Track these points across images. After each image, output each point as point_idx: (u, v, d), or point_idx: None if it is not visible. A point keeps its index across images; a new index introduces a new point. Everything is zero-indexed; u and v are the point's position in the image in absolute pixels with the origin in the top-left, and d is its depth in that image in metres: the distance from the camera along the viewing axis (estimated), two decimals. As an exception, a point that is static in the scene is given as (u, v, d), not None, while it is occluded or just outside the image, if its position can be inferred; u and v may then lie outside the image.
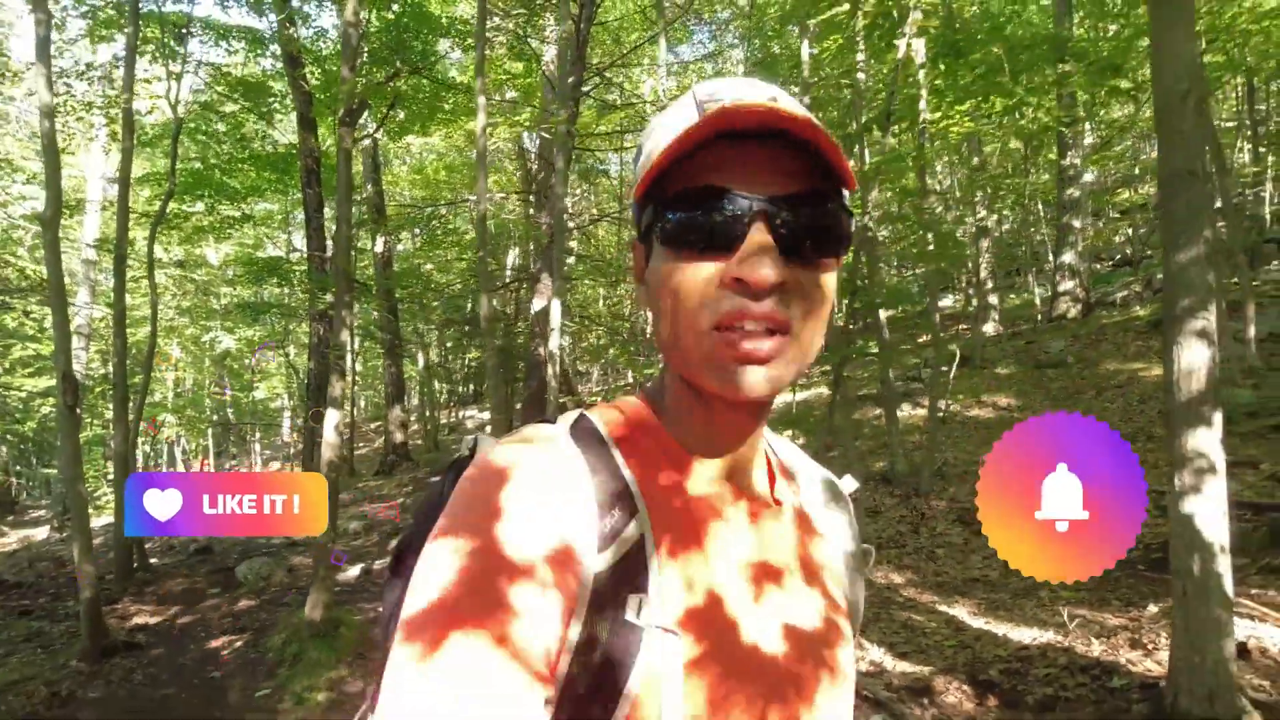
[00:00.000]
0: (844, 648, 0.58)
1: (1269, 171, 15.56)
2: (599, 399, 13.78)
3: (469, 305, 15.96)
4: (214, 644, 4.47)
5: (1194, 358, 2.83)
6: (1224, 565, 2.75)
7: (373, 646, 4.39)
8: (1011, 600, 4.45)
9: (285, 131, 12.40)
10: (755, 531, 0.55)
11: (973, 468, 6.84)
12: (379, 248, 13.39)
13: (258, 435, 21.80)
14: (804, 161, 0.49)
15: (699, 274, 0.49)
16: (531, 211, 12.42)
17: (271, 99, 10.78)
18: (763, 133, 0.48)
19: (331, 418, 4.29)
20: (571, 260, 14.45)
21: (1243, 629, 3.35)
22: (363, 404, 26.41)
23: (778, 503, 0.59)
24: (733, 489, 0.56)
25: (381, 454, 14.70)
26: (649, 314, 0.56)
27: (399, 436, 14.07)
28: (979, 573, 5.04)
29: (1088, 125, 17.56)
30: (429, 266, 16.35)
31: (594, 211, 17.53)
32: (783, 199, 0.48)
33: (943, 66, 3.96)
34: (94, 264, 14.30)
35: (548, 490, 0.47)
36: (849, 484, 0.69)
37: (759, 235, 0.47)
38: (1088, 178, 18.20)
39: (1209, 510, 2.77)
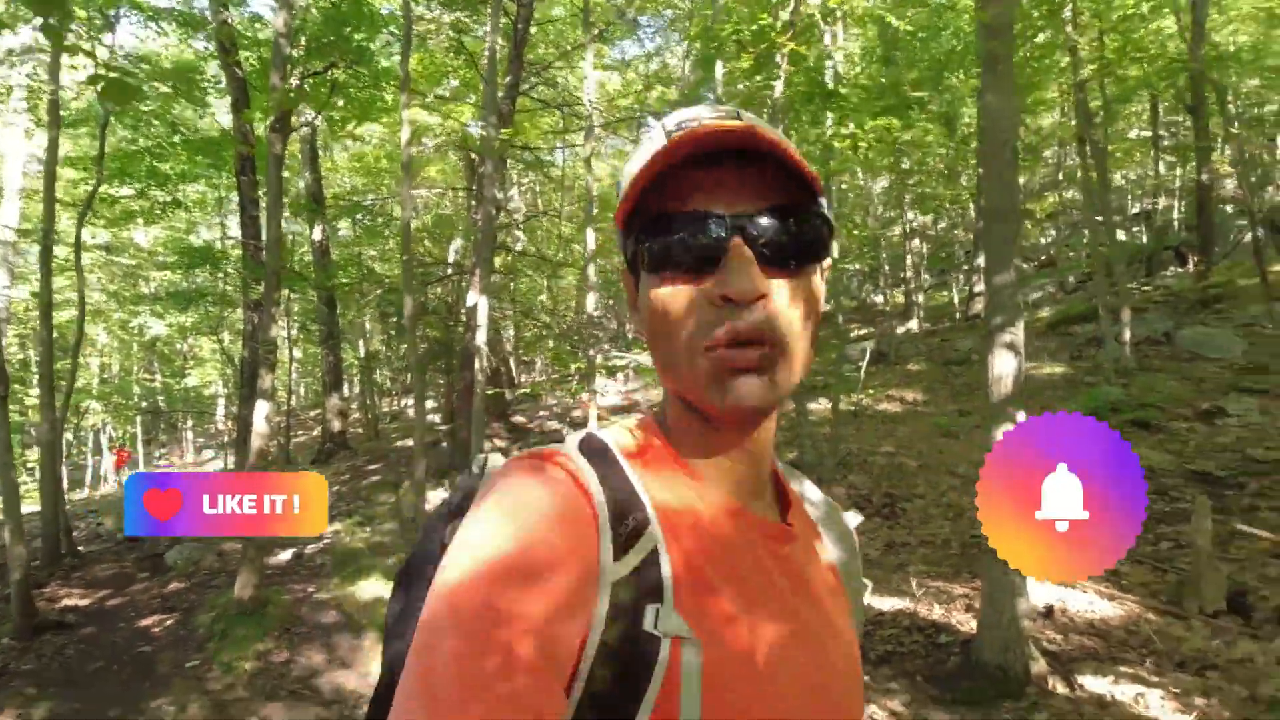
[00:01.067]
0: (853, 670, 0.59)
1: (1176, 182, 16.86)
2: (543, 390, 14.11)
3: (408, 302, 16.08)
4: (144, 623, 4.71)
5: (1004, 366, 3.40)
6: (1020, 538, 3.33)
7: (298, 621, 4.72)
8: (884, 575, 5.04)
9: (224, 112, 12.31)
10: (766, 551, 0.56)
11: (873, 457, 7.48)
12: (317, 236, 13.40)
13: (190, 423, 21.39)
14: (775, 176, 0.52)
15: (686, 295, 0.51)
16: (474, 203, 12.63)
17: (204, 84, 10.72)
18: (729, 152, 0.50)
19: (261, 409, 4.58)
20: (519, 248, 14.73)
21: (1054, 594, 3.99)
22: (302, 391, 26.11)
23: (790, 525, 0.61)
24: (741, 507, 0.57)
25: (319, 443, 14.75)
26: (646, 340, 0.58)
27: (337, 425, 14.15)
28: (861, 552, 5.63)
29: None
30: (372, 254, 16.39)
31: (541, 203, 17.80)
32: (758, 214, 0.50)
33: (809, 107, 4.51)
34: (12, 245, 13.90)
35: (565, 515, 0.47)
36: (853, 519, 0.84)
37: (739, 251, 0.49)
38: (1014, 182, 19.32)
39: (1010, 493, 3.35)
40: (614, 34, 13.88)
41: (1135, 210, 18.90)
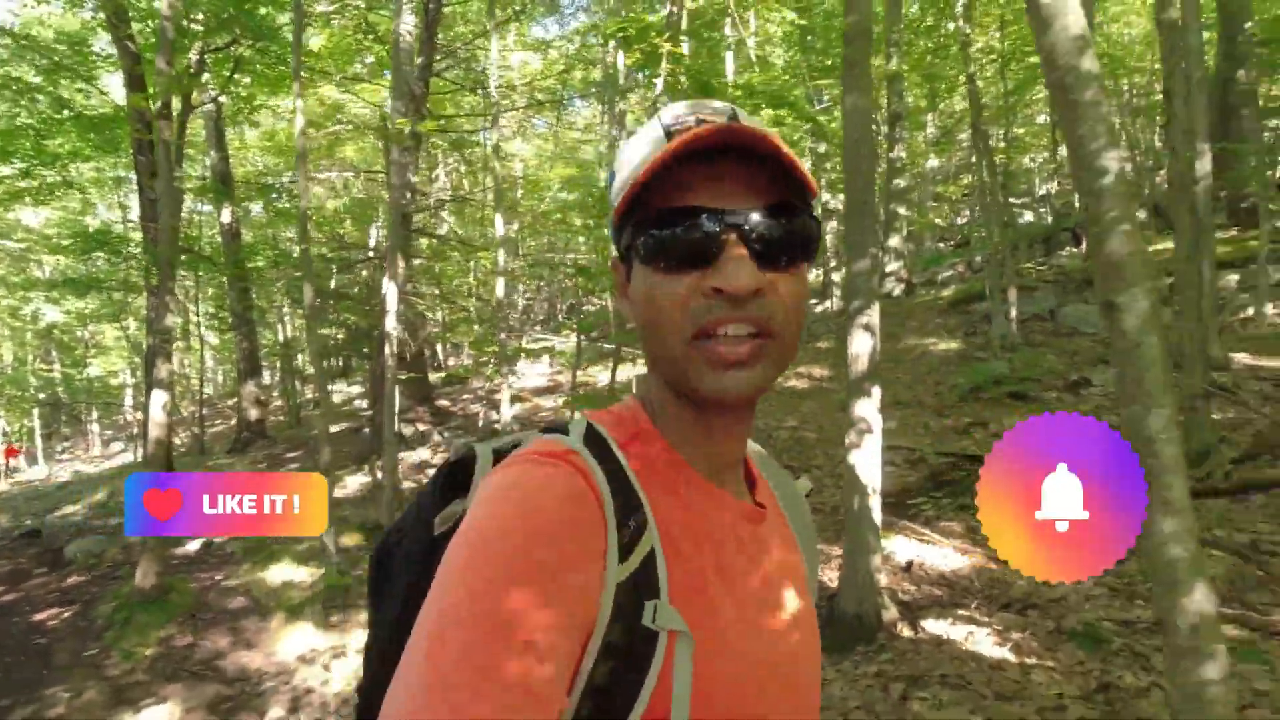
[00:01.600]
0: (815, 642, 0.63)
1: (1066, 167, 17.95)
2: (465, 374, 14.11)
3: (332, 279, 15.75)
4: (39, 616, 4.69)
5: (861, 346, 3.76)
6: (874, 502, 3.73)
7: (204, 607, 4.78)
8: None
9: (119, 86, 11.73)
10: (746, 535, 0.59)
11: (778, 431, 7.91)
12: (226, 218, 12.98)
13: (95, 415, 20.40)
14: (769, 175, 0.54)
15: (679, 287, 0.53)
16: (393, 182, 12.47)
17: (94, 57, 10.22)
18: (727, 150, 0.52)
19: (158, 399, 4.58)
20: (445, 230, 14.57)
21: (914, 551, 4.43)
22: (220, 379, 25.17)
23: (760, 506, 0.63)
24: (724, 494, 0.59)
25: (236, 432, 14.40)
26: (637, 329, 0.59)
27: (254, 413, 13.84)
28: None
29: (930, 117, 19.43)
30: (289, 236, 15.92)
31: (468, 184, 17.59)
32: (753, 211, 0.52)
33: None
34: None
35: (576, 516, 0.48)
36: (804, 485, 0.75)
37: (734, 247, 0.52)
38: (933, 163, 20.15)
39: (866, 460, 3.74)
40: (534, 12, 13.81)
41: (1043, 192, 20.05)
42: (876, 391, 3.76)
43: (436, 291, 12.26)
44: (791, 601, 0.60)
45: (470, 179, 18.51)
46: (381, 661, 0.52)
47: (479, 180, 19.08)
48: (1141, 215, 15.16)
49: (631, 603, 0.48)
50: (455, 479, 0.57)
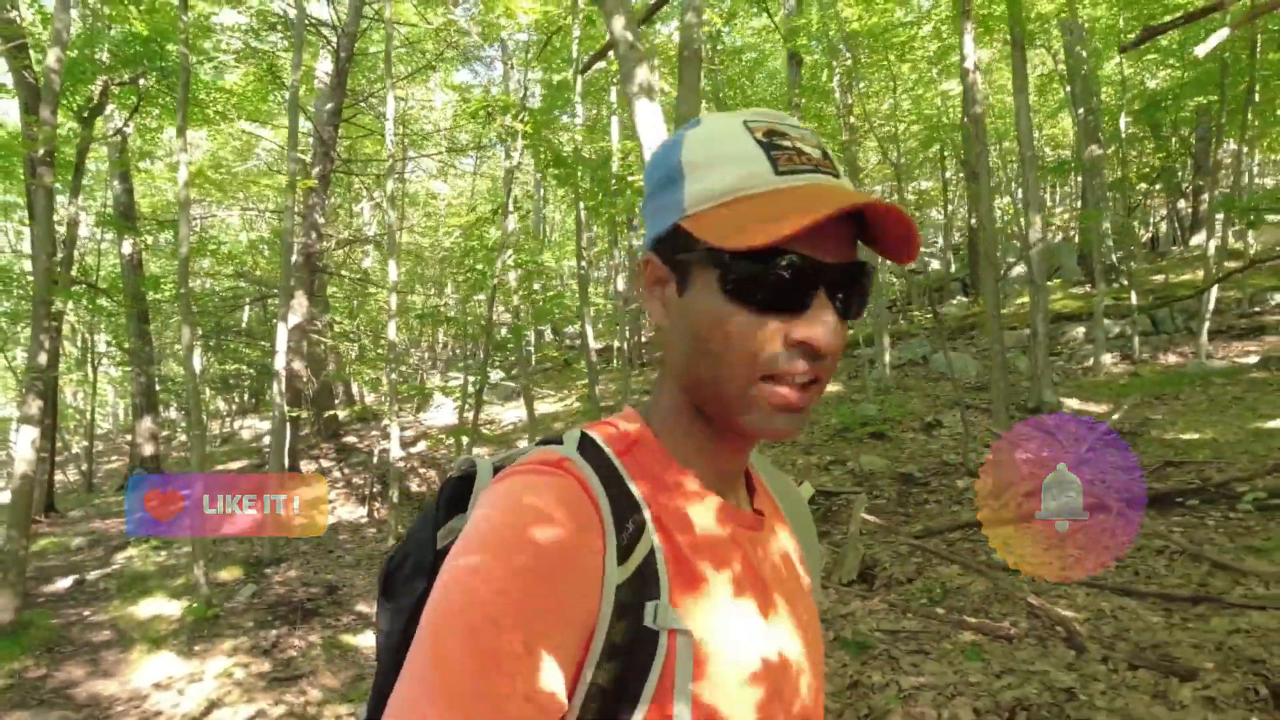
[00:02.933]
0: (819, 647, 0.64)
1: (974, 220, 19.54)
2: (370, 413, 14.19)
3: (244, 313, 15.64)
4: (-112, 653, 4.69)
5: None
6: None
7: (65, 641, 4.87)
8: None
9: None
10: (746, 540, 0.60)
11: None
12: (127, 250, 12.86)
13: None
14: (852, 230, 0.55)
15: (761, 328, 0.52)
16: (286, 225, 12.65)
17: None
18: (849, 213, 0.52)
19: (26, 435, 4.73)
20: (368, 263, 14.70)
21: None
22: (121, 413, 24.14)
23: (759, 514, 0.64)
24: (724, 501, 0.60)
25: (128, 468, 14.00)
26: (668, 334, 0.59)
27: (148, 449, 13.52)
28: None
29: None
30: (203, 267, 15.73)
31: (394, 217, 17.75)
32: (843, 267, 0.54)
33: (555, 173, 5.39)
34: None
35: (573, 521, 0.49)
36: (807, 490, 1.04)
37: (823, 302, 0.53)
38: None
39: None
40: (451, 65, 14.36)
41: (939, 242, 21.64)
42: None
43: (342, 328, 12.43)
44: (792, 605, 0.61)
45: (398, 212, 18.75)
46: (387, 677, 0.52)
47: (406, 214, 19.36)
48: (1021, 269, 16.72)
49: (632, 603, 0.49)
50: (457, 495, 0.58)
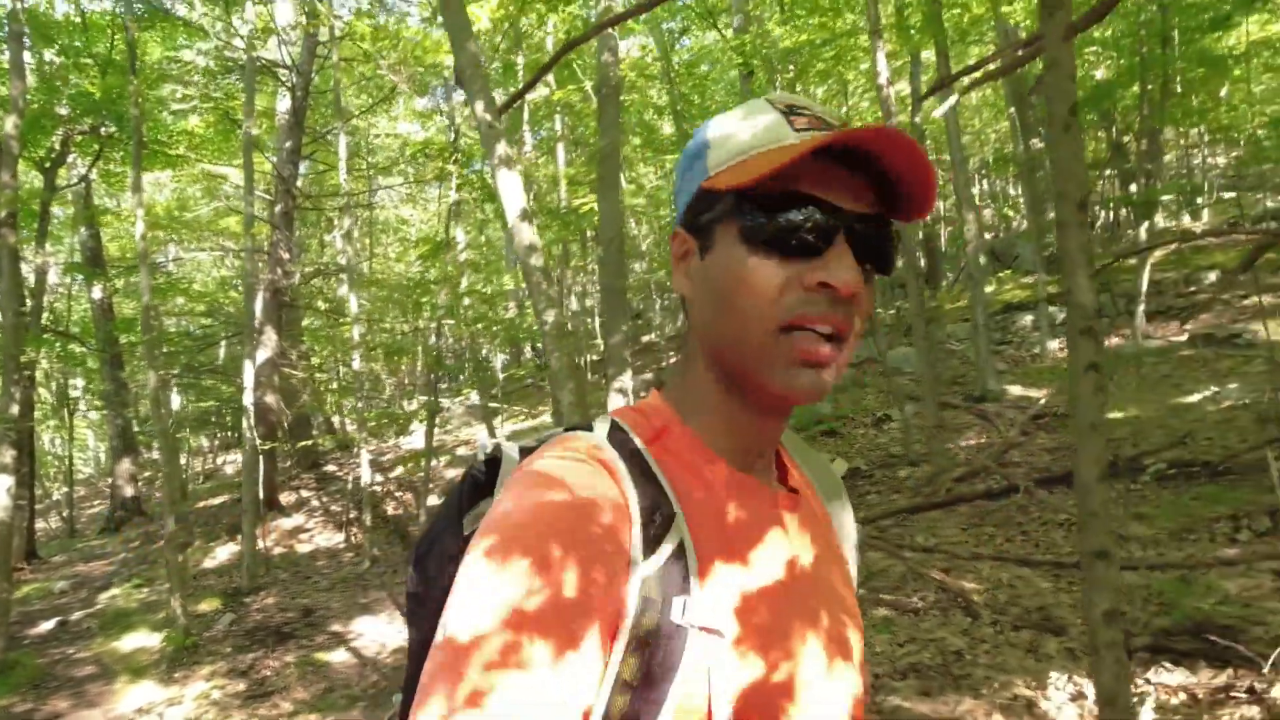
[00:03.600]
0: (857, 631, 0.63)
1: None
2: (351, 441, 14.43)
3: (220, 350, 15.84)
4: (-121, 698, 4.93)
5: (615, 403, 4.67)
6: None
7: (50, 678, 5.13)
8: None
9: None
10: (779, 524, 0.58)
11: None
12: (97, 295, 13.08)
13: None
14: (871, 184, 0.54)
15: (778, 274, 0.52)
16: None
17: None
18: (839, 151, 0.52)
19: (2, 483, 5.00)
20: (344, 290, 14.91)
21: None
22: (101, 457, 24.15)
23: (794, 493, 0.63)
24: (756, 483, 0.59)
25: (109, 510, 14.16)
26: (692, 302, 0.58)
27: (129, 491, 13.71)
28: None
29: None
30: (178, 303, 15.94)
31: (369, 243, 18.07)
32: (863, 216, 0.53)
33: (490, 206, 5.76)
34: None
35: (601, 508, 0.49)
36: (841, 467, 0.75)
37: (841, 246, 0.52)
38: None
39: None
40: (406, 101, 14.71)
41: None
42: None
43: (318, 358, 12.70)
44: (831, 588, 0.61)
45: (373, 241, 19.08)
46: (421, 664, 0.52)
47: (380, 241, 19.69)
48: (983, 260, 17.20)
49: (660, 597, 0.48)
50: (481, 480, 0.59)
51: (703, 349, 0.59)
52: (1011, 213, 19.78)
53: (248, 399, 6.87)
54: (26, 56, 6.85)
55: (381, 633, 5.43)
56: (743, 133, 0.56)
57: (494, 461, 0.59)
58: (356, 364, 7.06)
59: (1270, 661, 2.37)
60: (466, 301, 7.59)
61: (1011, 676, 3.05)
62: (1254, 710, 2.33)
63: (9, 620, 5.31)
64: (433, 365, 7.31)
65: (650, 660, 0.47)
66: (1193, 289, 11.52)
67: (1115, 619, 1.66)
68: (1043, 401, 7.41)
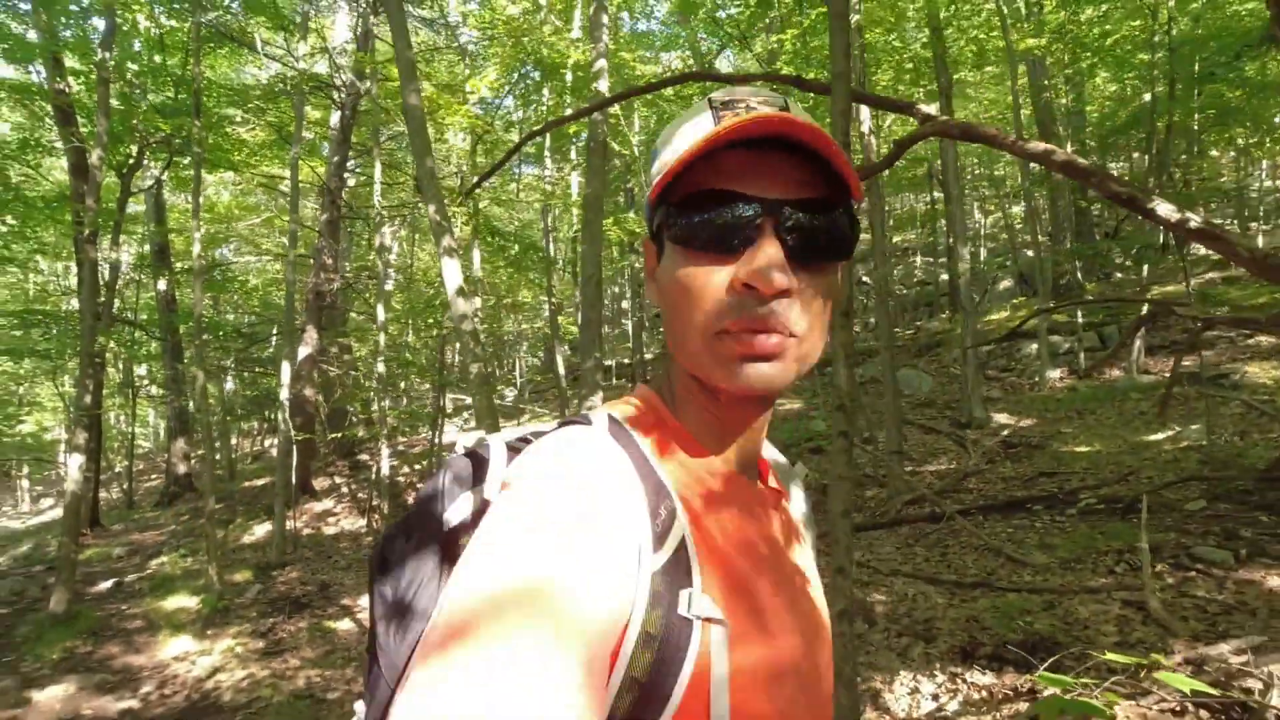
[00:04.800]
0: (828, 628, 0.65)
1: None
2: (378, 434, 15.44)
3: (272, 342, 17.10)
4: (-34, 637, 5.94)
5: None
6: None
7: (107, 628, 6.08)
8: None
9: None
10: (767, 519, 0.60)
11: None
12: (162, 287, 14.34)
13: (26, 471, 21.15)
14: (813, 170, 0.53)
15: (709, 277, 0.53)
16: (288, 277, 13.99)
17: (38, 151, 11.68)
18: (774, 140, 0.52)
19: (74, 462, 5.96)
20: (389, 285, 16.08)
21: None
22: (162, 433, 25.94)
23: (775, 492, 0.65)
24: (744, 480, 0.60)
25: (165, 486, 15.49)
26: (659, 309, 0.59)
27: (181, 469, 14.99)
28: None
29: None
30: (228, 301, 17.25)
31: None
32: (790, 204, 0.52)
33: (490, 241, 6.48)
34: None
35: (615, 503, 0.49)
36: (800, 470, 0.75)
37: (768, 241, 0.51)
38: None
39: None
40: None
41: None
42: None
43: (357, 355, 13.73)
44: (809, 585, 0.63)
45: (407, 249, 20.21)
46: (387, 652, 0.51)
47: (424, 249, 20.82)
48: (1009, 283, 17.47)
49: (667, 591, 0.49)
50: (465, 471, 0.58)
51: (675, 356, 0.59)
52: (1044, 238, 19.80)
53: (284, 394, 7.78)
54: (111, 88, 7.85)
55: (383, 608, 6.23)
56: (677, 137, 0.57)
57: (477, 454, 0.59)
58: (380, 368, 7.90)
59: (1044, 666, 2.93)
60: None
61: (875, 673, 3.64)
62: (1023, 705, 2.89)
63: (74, 578, 6.28)
64: (434, 380, 8.11)
65: (658, 656, 0.47)
66: (1200, 324, 11.63)
67: (849, 515, 2.32)
68: (1005, 433, 7.83)
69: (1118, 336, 11.82)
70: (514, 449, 0.58)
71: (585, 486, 0.48)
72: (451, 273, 3.11)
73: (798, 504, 0.71)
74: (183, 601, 6.71)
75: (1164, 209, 2.14)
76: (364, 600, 6.49)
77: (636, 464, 0.53)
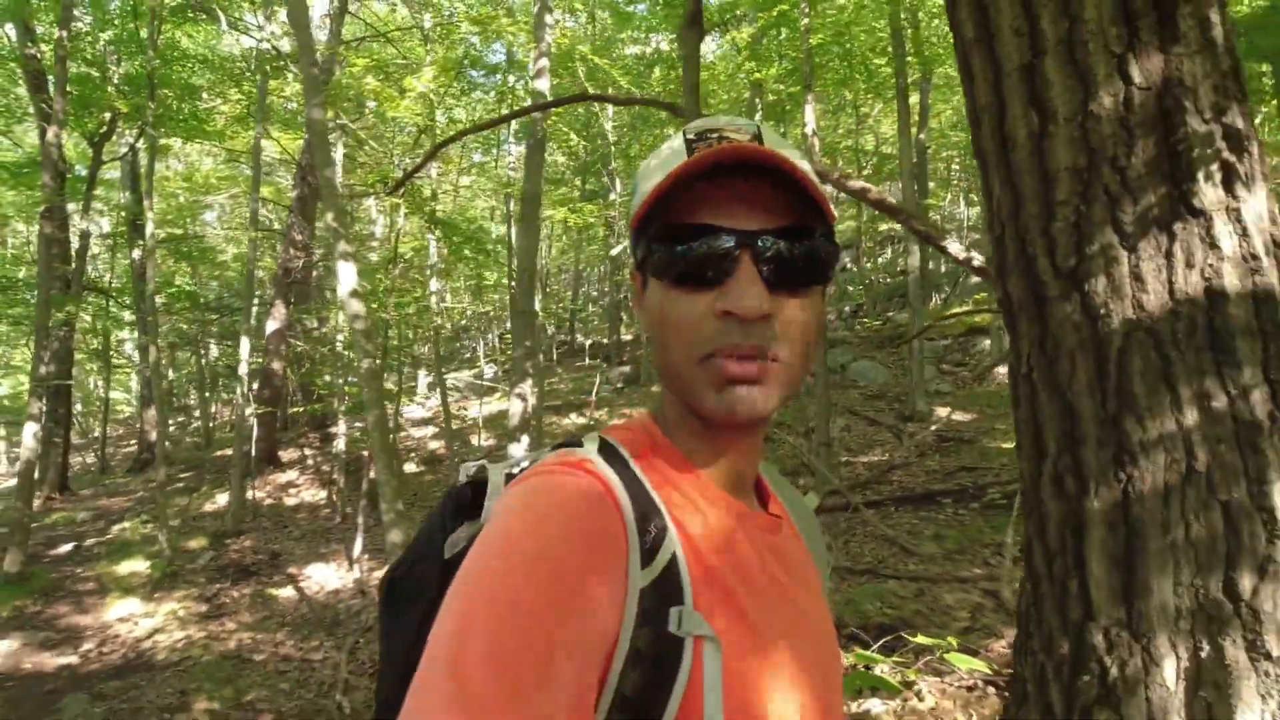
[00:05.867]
0: (835, 645, 0.66)
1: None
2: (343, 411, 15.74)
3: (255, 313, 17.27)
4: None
5: (515, 407, 5.64)
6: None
7: (59, 589, 6.39)
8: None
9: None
10: (762, 544, 0.60)
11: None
12: (137, 255, 14.48)
13: (3, 433, 21.35)
14: (788, 196, 0.55)
15: (690, 306, 0.55)
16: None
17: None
18: (747, 169, 0.54)
19: (29, 429, 6.22)
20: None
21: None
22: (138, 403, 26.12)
23: (775, 517, 0.65)
24: (738, 504, 0.61)
25: (137, 453, 15.76)
26: (646, 336, 0.62)
27: (153, 436, 15.20)
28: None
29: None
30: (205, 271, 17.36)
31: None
32: (767, 233, 0.54)
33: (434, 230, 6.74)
34: None
35: (600, 524, 0.50)
36: (812, 500, 0.76)
37: (746, 269, 0.53)
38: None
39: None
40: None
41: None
42: (525, 439, 5.64)
43: (327, 330, 13.96)
44: (810, 609, 0.63)
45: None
46: (398, 686, 0.50)
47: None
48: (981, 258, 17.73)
49: (656, 609, 0.49)
50: (464, 502, 0.59)
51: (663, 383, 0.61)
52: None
53: (242, 369, 8.04)
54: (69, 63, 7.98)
55: (326, 577, 6.57)
56: (654, 170, 0.58)
57: (477, 484, 0.59)
58: (339, 345, 8.16)
59: (877, 645, 3.26)
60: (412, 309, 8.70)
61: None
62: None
63: (29, 540, 6.58)
64: (377, 359, 8.43)
65: (648, 674, 0.48)
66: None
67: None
68: (934, 427, 8.17)
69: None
70: (511, 479, 0.58)
71: (553, 544, 0.48)
72: (346, 275, 3.37)
73: (813, 536, 0.72)
74: (135, 566, 7.02)
75: (954, 247, 2.43)
76: (309, 570, 6.83)
77: (626, 483, 0.54)
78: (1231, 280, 1.26)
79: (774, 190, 0.55)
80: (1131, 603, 1.28)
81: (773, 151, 0.53)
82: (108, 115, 12.05)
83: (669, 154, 0.58)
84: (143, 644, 5.15)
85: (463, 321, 22.06)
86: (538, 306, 14.74)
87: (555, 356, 18.01)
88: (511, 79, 10.28)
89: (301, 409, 10.09)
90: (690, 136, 0.58)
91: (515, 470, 0.59)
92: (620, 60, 11.57)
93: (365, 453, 10.97)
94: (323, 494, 10.40)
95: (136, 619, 5.71)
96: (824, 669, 0.61)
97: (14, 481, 18.03)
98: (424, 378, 16.37)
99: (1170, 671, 1.25)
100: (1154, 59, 1.29)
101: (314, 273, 12.84)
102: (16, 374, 19.21)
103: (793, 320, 0.55)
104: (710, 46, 17.44)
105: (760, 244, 0.54)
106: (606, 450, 0.58)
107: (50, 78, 10.86)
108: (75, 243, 11.91)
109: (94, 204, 13.55)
